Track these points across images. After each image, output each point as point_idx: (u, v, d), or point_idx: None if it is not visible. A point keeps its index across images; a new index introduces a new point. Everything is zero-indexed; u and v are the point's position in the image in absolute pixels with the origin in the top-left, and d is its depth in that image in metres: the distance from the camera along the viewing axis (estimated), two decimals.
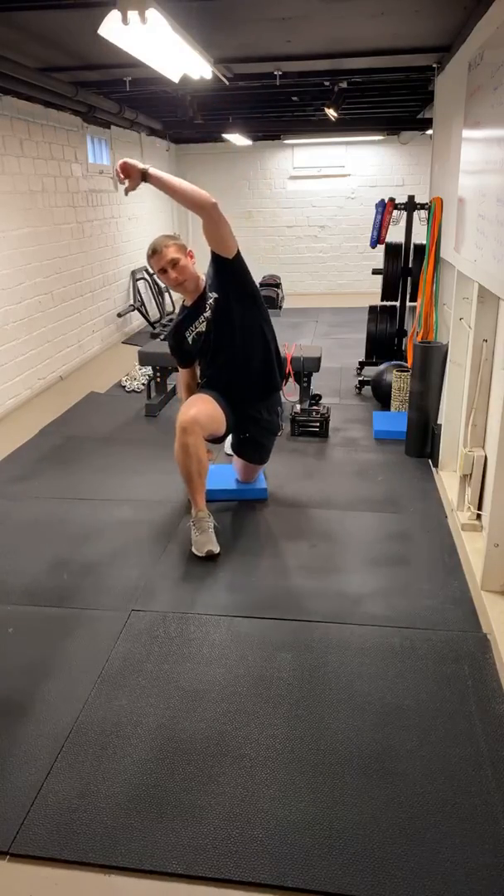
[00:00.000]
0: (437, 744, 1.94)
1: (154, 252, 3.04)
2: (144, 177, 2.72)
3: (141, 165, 2.71)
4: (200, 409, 2.96)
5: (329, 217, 9.53)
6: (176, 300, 8.56)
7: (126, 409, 5.02)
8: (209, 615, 2.55)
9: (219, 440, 3.20)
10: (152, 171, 2.73)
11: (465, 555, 2.85)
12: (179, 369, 3.40)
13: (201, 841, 1.66)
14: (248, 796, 1.78)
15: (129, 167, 2.69)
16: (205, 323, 3.10)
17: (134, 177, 2.71)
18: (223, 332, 3.07)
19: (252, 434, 3.32)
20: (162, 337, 6.02)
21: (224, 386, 3.16)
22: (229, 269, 2.98)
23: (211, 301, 3.05)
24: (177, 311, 3.32)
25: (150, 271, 7.95)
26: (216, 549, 2.93)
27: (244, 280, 3.04)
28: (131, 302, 7.34)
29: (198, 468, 2.94)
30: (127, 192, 2.76)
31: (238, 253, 2.98)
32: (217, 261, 2.98)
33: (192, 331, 3.15)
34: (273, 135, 8.36)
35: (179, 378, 3.44)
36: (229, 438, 3.49)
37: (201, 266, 3.14)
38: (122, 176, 2.71)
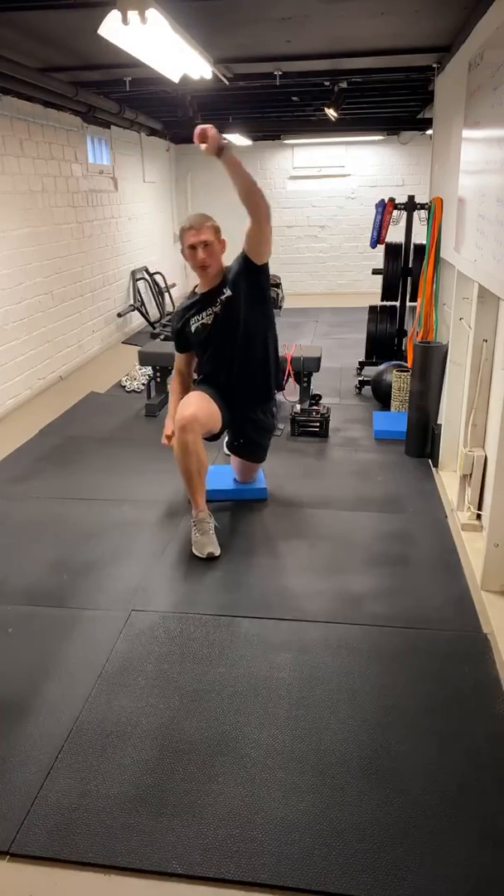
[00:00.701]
0: (436, 744, 1.94)
1: (190, 227, 2.99)
2: (219, 152, 2.73)
3: (223, 140, 2.73)
4: (199, 407, 2.96)
5: (329, 217, 9.53)
6: (177, 299, 8.56)
7: (126, 409, 5.02)
8: (209, 615, 2.55)
9: (215, 437, 3.20)
10: (230, 152, 2.74)
11: (465, 555, 2.85)
12: (176, 354, 3.36)
13: (201, 841, 1.66)
14: (249, 796, 1.78)
15: (210, 135, 2.69)
16: (212, 316, 3.09)
17: (211, 146, 2.71)
18: (226, 332, 3.07)
19: (248, 435, 3.33)
20: (163, 337, 6.03)
21: (219, 385, 3.16)
22: (255, 274, 3.01)
23: (223, 297, 3.04)
24: (187, 294, 3.29)
25: (150, 271, 7.96)
26: (216, 551, 2.93)
27: (262, 289, 3.07)
28: (131, 302, 7.34)
29: (197, 466, 2.95)
30: (205, 152, 2.76)
31: (267, 262, 3.03)
32: (245, 262, 2.99)
33: (198, 321, 3.13)
34: (273, 135, 8.35)
35: (175, 366, 3.38)
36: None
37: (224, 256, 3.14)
38: (198, 140, 2.72)
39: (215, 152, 2.73)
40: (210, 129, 2.70)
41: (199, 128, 2.71)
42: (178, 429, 2.89)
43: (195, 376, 3.36)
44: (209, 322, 3.10)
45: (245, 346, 3.09)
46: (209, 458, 3.12)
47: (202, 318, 3.12)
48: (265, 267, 3.04)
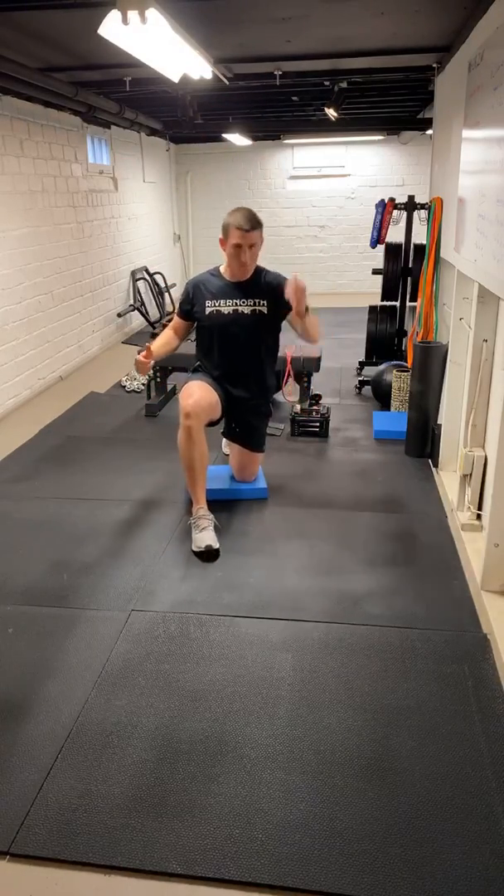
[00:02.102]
0: (437, 744, 1.94)
1: (239, 227, 2.99)
2: (301, 311, 2.93)
3: (311, 304, 2.97)
4: (202, 396, 3.03)
5: (329, 217, 9.53)
6: (176, 299, 8.55)
7: (126, 409, 5.02)
8: (209, 615, 2.55)
9: (214, 423, 3.25)
10: (312, 315, 3.02)
11: (465, 555, 2.85)
12: (176, 316, 3.35)
13: (201, 841, 1.66)
14: (248, 796, 1.78)
15: (302, 297, 2.86)
16: (232, 310, 3.14)
17: (301, 306, 2.90)
18: (240, 334, 3.15)
19: (245, 419, 3.38)
20: None
21: (218, 377, 3.24)
22: (283, 312, 3.14)
23: (256, 307, 3.14)
24: (209, 269, 3.34)
25: (150, 271, 7.96)
26: (215, 544, 2.93)
27: (279, 328, 3.27)
28: (131, 302, 7.34)
29: (199, 455, 2.99)
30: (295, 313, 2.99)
31: None
32: (282, 305, 3.06)
33: (216, 305, 3.16)
34: (273, 135, 8.35)
35: (171, 325, 3.36)
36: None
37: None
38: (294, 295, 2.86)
39: (302, 312, 2.94)
40: (300, 286, 2.83)
41: (299, 285, 2.83)
42: (183, 415, 2.96)
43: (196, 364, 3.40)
44: (227, 313, 3.15)
45: (251, 353, 3.21)
46: (209, 459, 3.12)
47: (220, 305, 3.16)
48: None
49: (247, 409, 3.34)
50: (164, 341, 3.30)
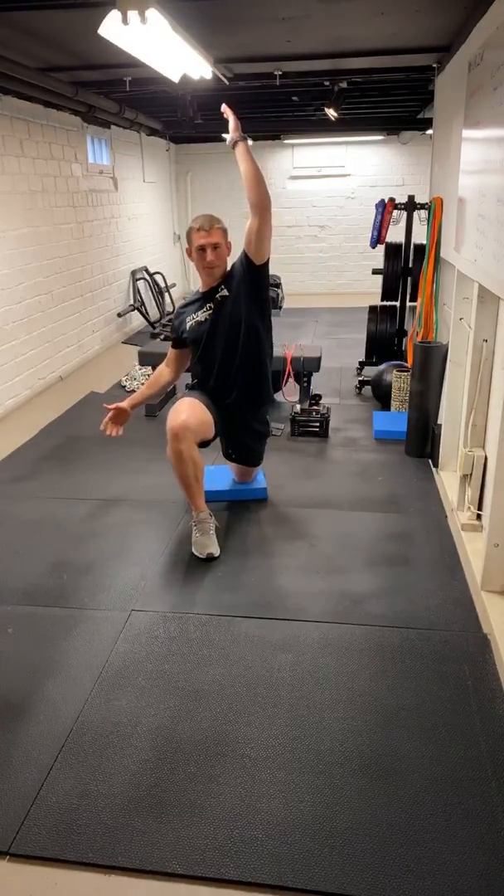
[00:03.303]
0: (437, 744, 1.94)
1: (200, 228, 2.98)
2: (234, 144, 2.89)
3: (240, 134, 2.87)
4: (191, 415, 2.92)
5: (329, 217, 9.52)
6: (176, 300, 8.55)
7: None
8: (209, 615, 2.55)
9: (205, 444, 3.13)
10: (247, 143, 2.91)
11: (465, 555, 2.85)
12: (170, 348, 3.33)
13: (201, 841, 1.66)
14: (248, 796, 1.78)
15: (234, 123, 2.87)
16: (207, 313, 3.09)
17: (234, 129, 2.88)
18: (220, 331, 3.06)
19: (244, 443, 3.32)
20: (163, 337, 6.03)
21: (211, 390, 3.14)
22: (254, 274, 3.00)
23: (219, 296, 3.05)
24: (187, 297, 3.31)
25: (150, 271, 7.96)
26: (216, 551, 2.93)
27: (261, 289, 3.06)
28: (131, 302, 7.33)
29: (194, 472, 2.93)
30: (223, 138, 2.94)
31: (267, 263, 3.02)
32: (247, 263, 2.99)
33: (193, 318, 3.13)
34: (273, 135, 8.35)
35: (166, 358, 3.35)
36: None
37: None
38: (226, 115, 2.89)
39: (233, 142, 2.89)
40: (234, 117, 2.87)
41: (226, 108, 2.87)
42: (171, 437, 2.87)
43: (190, 382, 3.34)
44: (203, 320, 3.10)
45: (238, 346, 3.06)
46: (209, 459, 3.11)
47: (197, 316, 3.12)
48: (265, 267, 3.02)
49: (243, 427, 3.25)
50: (153, 380, 3.31)
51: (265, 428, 3.38)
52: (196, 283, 3.28)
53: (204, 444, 3.10)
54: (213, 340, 3.09)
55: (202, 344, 3.12)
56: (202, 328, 3.10)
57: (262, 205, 2.87)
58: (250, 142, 2.84)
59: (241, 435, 3.29)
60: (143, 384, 5.26)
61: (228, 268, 3.09)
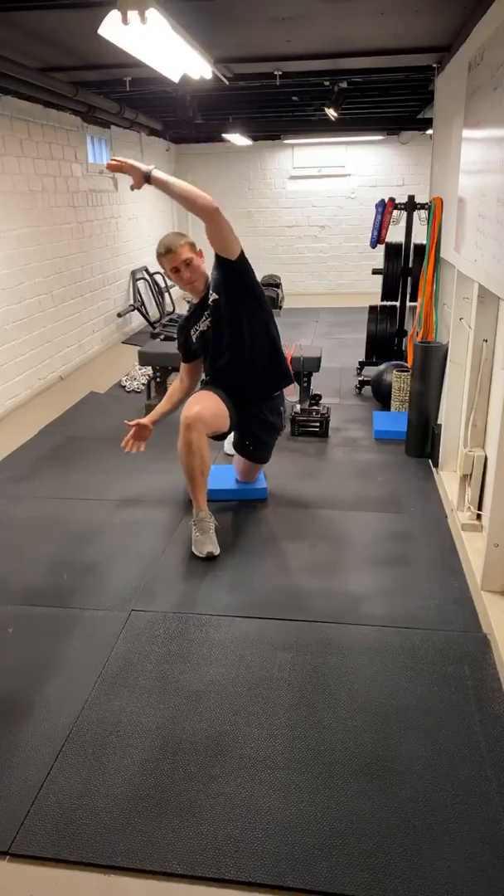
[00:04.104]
0: (436, 744, 1.94)
1: (167, 251, 3.00)
2: (147, 178, 2.71)
3: (144, 168, 2.70)
4: (205, 406, 2.97)
5: (329, 217, 9.53)
6: (176, 300, 8.56)
7: (126, 409, 5.01)
8: (209, 615, 2.55)
9: (221, 437, 3.21)
10: (156, 173, 2.72)
11: (465, 555, 2.85)
12: (181, 363, 3.39)
13: (201, 841, 1.66)
14: (248, 796, 1.78)
15: (128, 167, 2.68)
16: (207, 320, 3.10)
17: (136, 178, 2.70)
18: (223, 333, 3.07)
19: (256, 435, 3.32)
20: (162, 336, 6.03)
21: (226, 385, 3.17)
22: (233, 269, 2.98)
23: (212, 301, 3.06)
24: (179, 309, 3.33)
25: (150, 271, 7.96)
26: (216, 550, 2.93)
27: (247, 280, 3.04)
28: (131, 302, 7.33)
29: (201, 466, 2.95)
30: (132, 188, 2.76)
31: (241, 254, 2.98)
32: (220, 262, 2.98)
33: (196, 330, 3.16)
34: (273, 135, 8.35)
35: (179, 373, 3.42)
36: (230, 438, 3.50)
37: (205, 263, 3.14)
38: (112, 171, 2.73)
39: (142, 182, 2.71)
40: (125, 163, 2.67)
41: (112, 163, 2.68)
42: (183, 427, 2.90)
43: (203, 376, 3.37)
44: (205, 329, 3.12)
45: (242, 341, 3.08)
46: (211, 459, 3.12)
47: (199, 327, 3.15)
48: (241, 260, 2.99)
49: (258, 422, 3.28)
50: (171, 393, 3.35)
51: (279, 421, 3.37)
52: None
53: (219, 438, 3.16)
54: (220, 345, 3.11)
55: (210, 351, 3.15)
56: (206, 336, 3.13)
57: (205, 212, 2.78)
58: (153, 166, 2.73)
59: (255, 428, 3.30)
60: (143, 384, 5.32)
61: (210, 272, 3.10)
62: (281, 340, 3.25)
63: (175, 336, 3.45)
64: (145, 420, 3.23)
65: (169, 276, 3.11)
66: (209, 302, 3.06)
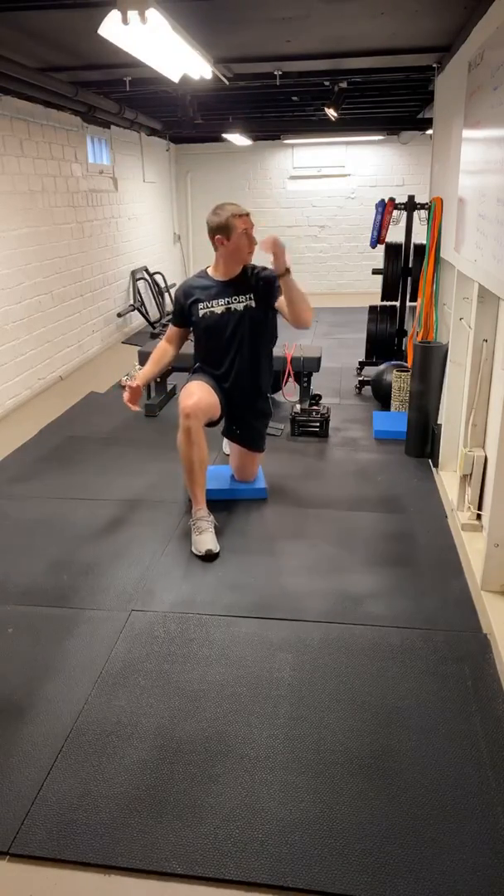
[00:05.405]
0: (437, 744, 1.94)
1: (243, 213, 3.09)
2: (283, 272, 2.90)
3: (287, 263, 2.88)
4: (201, 396, 3.05)
5: (329, 217, 9.53)
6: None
7: (126, 409, 4.99)
8: (209, 615, 2.55)
9: (213, 423, 3.26)
10: (292, 272, 2.94)
11: (465, 555, 2.85)
12: (170, 325, 3.39)
13: (201, 841, 1.66)
14: (248, 796, 1.78)
15: (281, 253, 2.83)
16: (224, 309, 3.15)
17: (278, 266, 2.88)
18: (242, 331, 3.15)
19: (245, 420, 3.38)
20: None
21: (216, 377, 3.24)
22: (274, 295, 3.11)
23: (245, 302, 3.13)
24: (197, 272, 3.37)
25: (150, 271, 7.96)
26: (215, 548, 2.93)
27: (275, 319, 3.25)
28: (131, 302, 7.34)
29: (199, 456, 3.00)
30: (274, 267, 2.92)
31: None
32: (276, 291, 3.07)
33: (207, 307, 3.18)
34: (273, 135, 8.35)
35: (165, 336, 3.41)
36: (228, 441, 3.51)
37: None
38: (268, 249, 2.83)
39: (284, 269, 2.88)
40: (280, 248, 2.81)
41: (271, 239, 2.79)
42: (182, 416, 2.97)
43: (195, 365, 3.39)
44: (220, 313, 3.15)
45: (259, 348, 3.21)
46: (209, 458, 3.12)
47: (212, 306, 3.17)
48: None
49: (246, 408, 3.34)
50: (157, 357, 3.35)
51: (267, 405, 3.44)
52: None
53: (211, 424, 3.22)
54: (233, 337, 3.17)
55: (213, 334, 3.20)
56: (223, 320, 3.16)
57: (300, 325, 3.03)
58: (291, 264, 2.94)
59: (243, 412, 3.36)
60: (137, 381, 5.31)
61: (257, 275, 3.18)
62: (272, 366, 3.40)
63: None
64: (135, 383, 3.23)
65: (225, 243, 3.10)
66: (242, 296, 3.13)
